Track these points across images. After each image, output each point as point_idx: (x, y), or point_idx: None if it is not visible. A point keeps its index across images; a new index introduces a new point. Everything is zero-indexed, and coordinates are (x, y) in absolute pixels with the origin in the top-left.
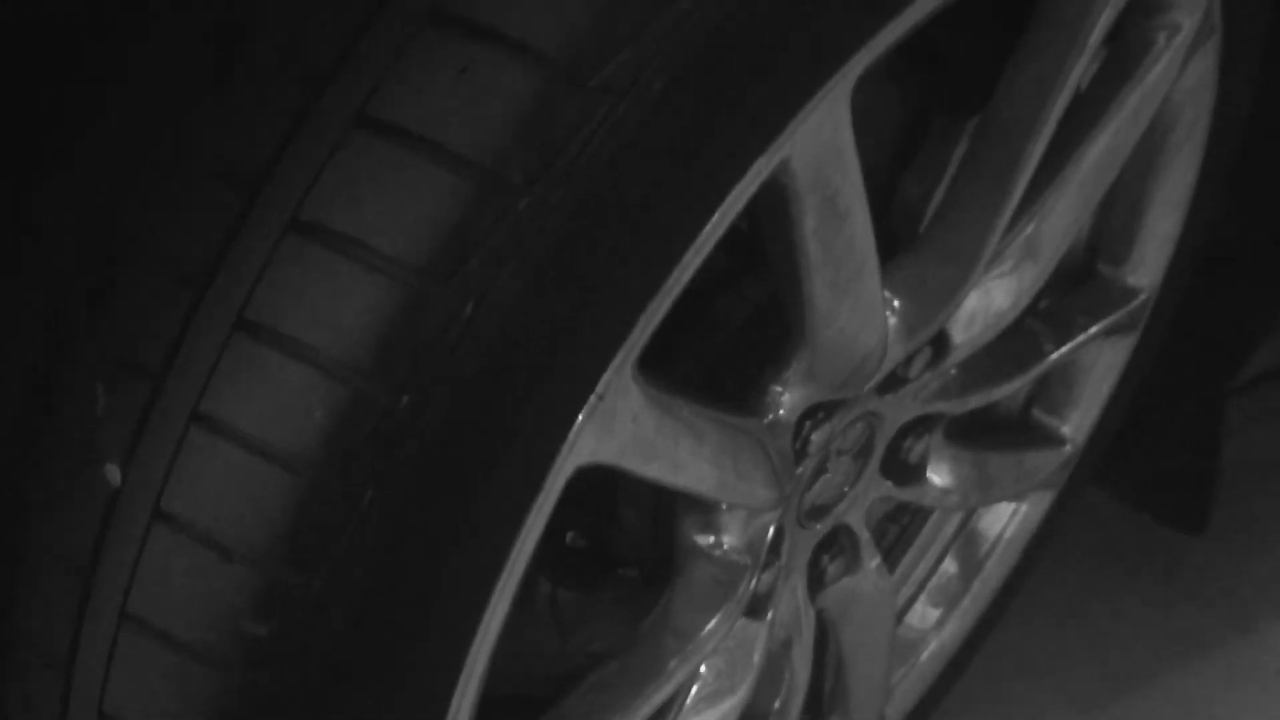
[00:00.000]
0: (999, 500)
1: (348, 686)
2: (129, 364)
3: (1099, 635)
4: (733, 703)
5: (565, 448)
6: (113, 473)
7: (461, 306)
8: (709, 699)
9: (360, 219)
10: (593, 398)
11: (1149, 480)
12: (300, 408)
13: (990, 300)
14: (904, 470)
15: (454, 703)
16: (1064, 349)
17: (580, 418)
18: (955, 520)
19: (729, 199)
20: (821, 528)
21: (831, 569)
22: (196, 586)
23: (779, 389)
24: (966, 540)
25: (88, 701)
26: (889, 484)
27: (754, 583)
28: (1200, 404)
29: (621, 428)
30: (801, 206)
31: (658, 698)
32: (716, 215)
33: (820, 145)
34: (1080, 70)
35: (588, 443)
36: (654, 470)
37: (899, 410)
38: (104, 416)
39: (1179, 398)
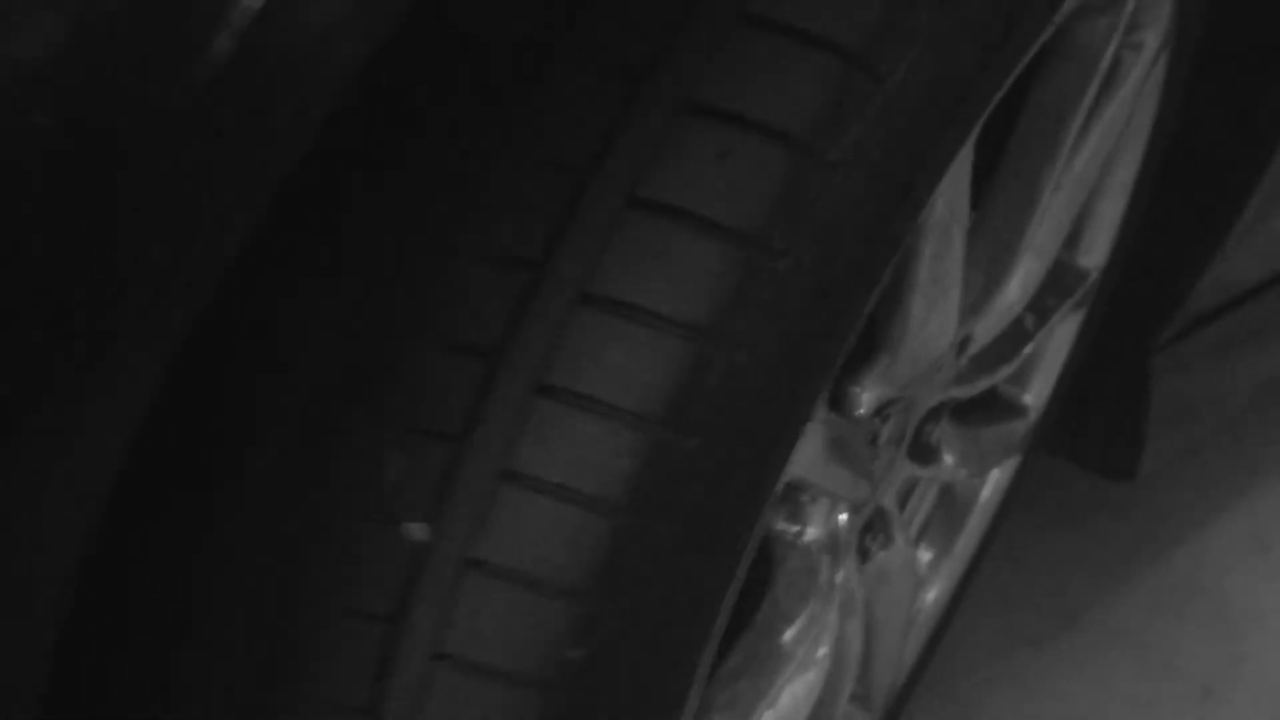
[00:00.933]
0: (991, 469)
1: (644, 694)
2: (428, 430)
3: (1047, 579)
4: (817, 675)
5: (786, 469)
6: (418, 530)
7: (737, 357)
8: (799, 673)
9: (645, 288)
10: (812, 420)
11: (1082, 434)
12: (607, 459)
13: (1006, 297)
14: (926, 452)
15: (690, 699)
16: (1043, 330)
17: (800, 439)
18: (934, 490)
19: (903, 242)
20: (868, 510)
21: (874, 548)
22: (516, 622)
23: (859, 389)
24: (948, 506)
25: None
26: (913, 465)
27: (833, 566)
28: (1128, 363)
29: (809, 442)
30: (927, 238)
31: (787, 680)
32: (896, 255)
33: (954, 185)
34: (1093, 95)
35: (797, 460)
36: (814, 475)
37: (926, 399)
38: (399, 485)
39: (1109, 359)
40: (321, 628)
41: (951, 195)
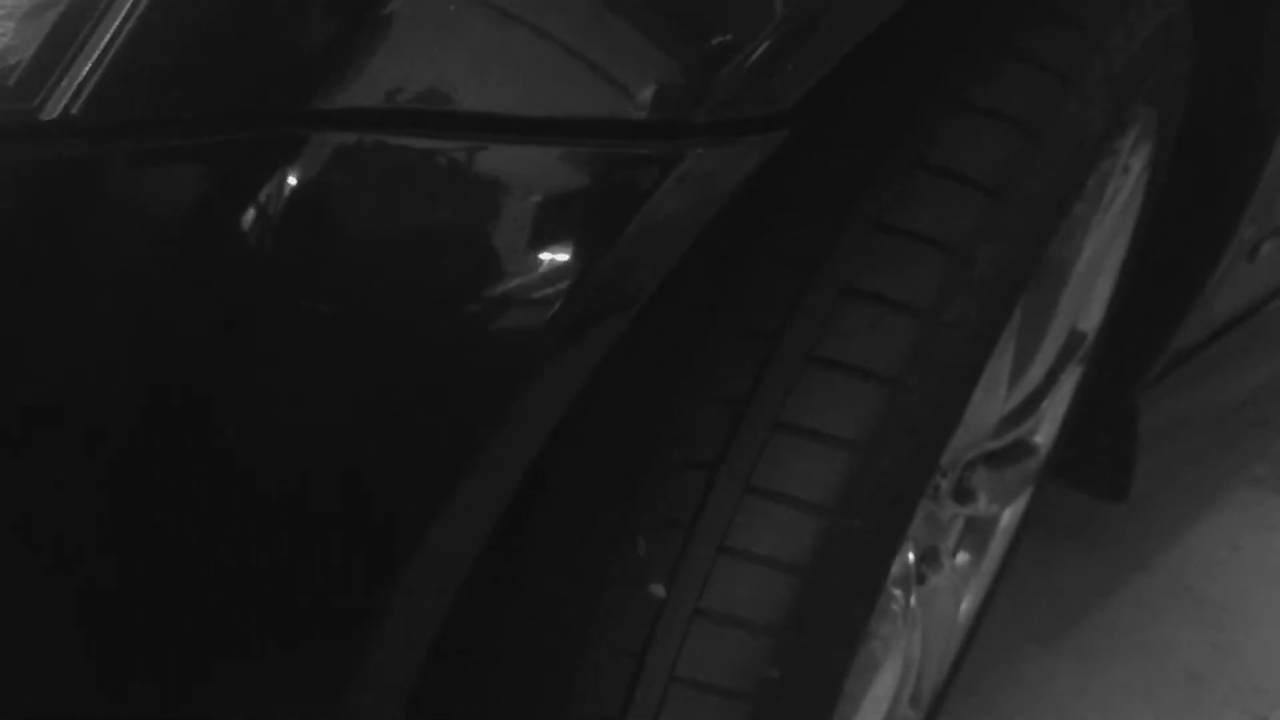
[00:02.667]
0: (1012, 501)
1: (815, 703)
2: (667, 519)
3: (1051, 585)
4: (893, 679)
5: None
6: (659, 589)
7: (882, 462)
8: (881, 678)
9: (821, 416)
10: None
11: (1080, 463)
12: (796, 539)
13: (1034, 374)
14: (966, 494)
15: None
16: (1055, 387)
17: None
18: (963, 519)
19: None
20: (924, 545)
21: (928, 573)
22: (731, 652)
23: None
24: (974, 533)
25: None
26: (956, 505)
27: (905, 593)
28: (1118, 402)
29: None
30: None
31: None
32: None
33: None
34: (1096, 217)
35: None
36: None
37: (969, 453)
38: (647, 558)
39: (1103, 400)
40: (591, 663)
41: (1010, 328)
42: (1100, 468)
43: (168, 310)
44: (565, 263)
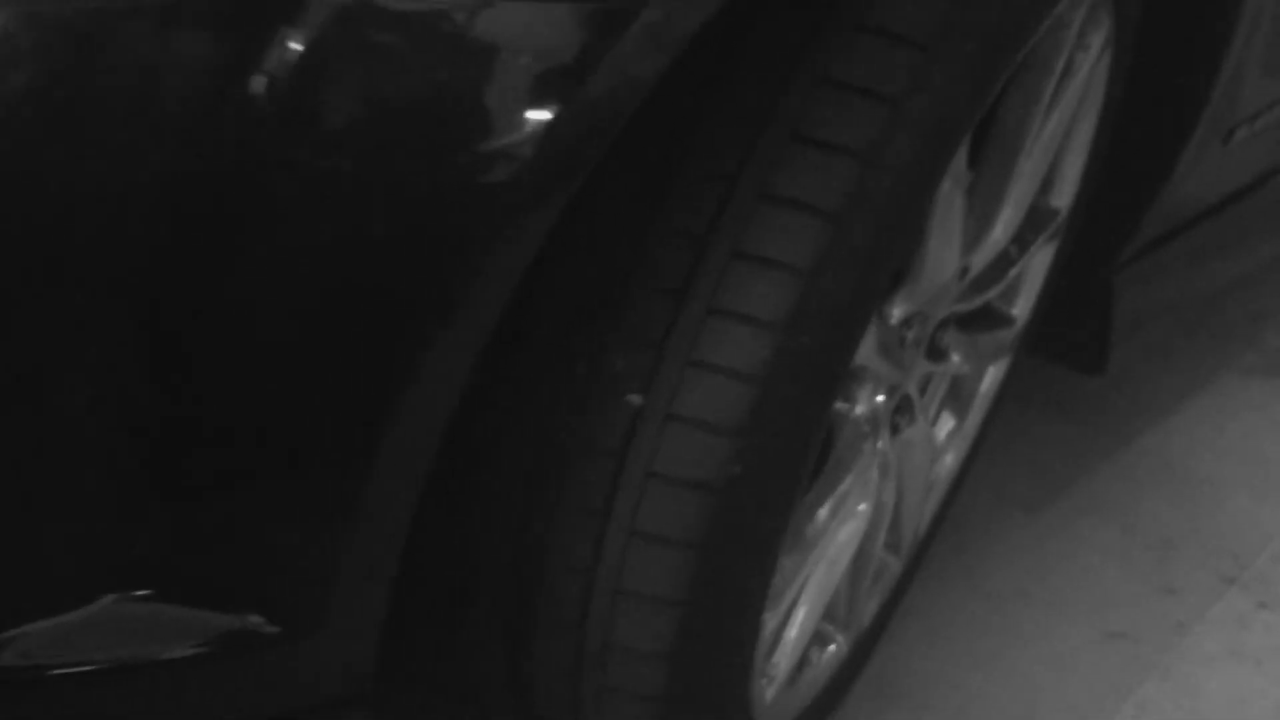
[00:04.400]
0: (988, 366)
1: (772, 504)
2: (641, 338)
3: (1038, 458)
4: (861, 521)
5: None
6: (635, 398)
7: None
8: (849, 519)
9: (775, 246)
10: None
11: (1059, 338)
12: (754, 351)
13: (994, 236)
14: (938, 352)
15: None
16: (1024, 258)
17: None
18: (946, 382)
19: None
20: (898, 395)
21: (903, 424)
22: (699, 451)
23: (892, 306)
24: (957, 395)
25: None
26: (929, 363)
27: (874, 436)
28: (1094, 279)
29: (866, 340)
30: (938, 203)
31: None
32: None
33: (955, 166)
34: (1052, 88)
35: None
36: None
37: (938, 313)
38: (624, 372)
39: (1079, 277)
40: (576, 463)
41: (954, 173)
42: (1078, 343)
43: (184, 161)
44: (555, 90)
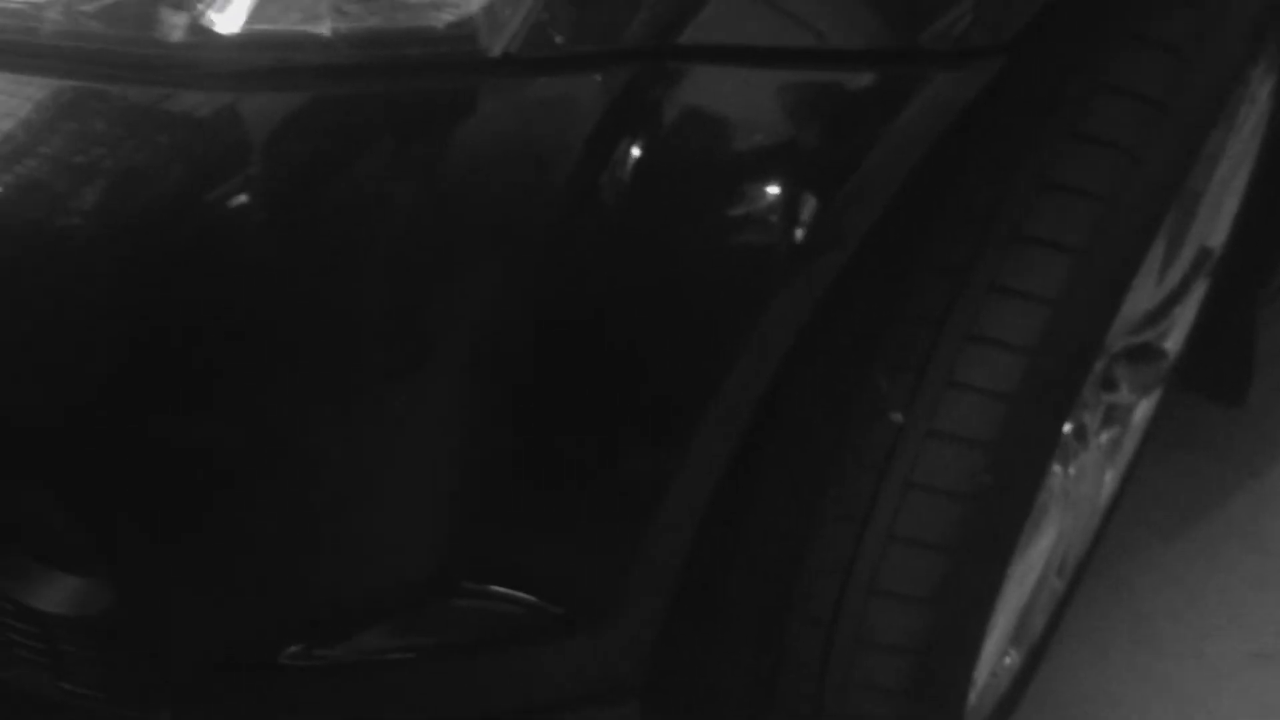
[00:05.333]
0: (1144, 396)
1: (1015, 509)
2: (903, 362)
3: (1173, 485)
4: (1048, 542)
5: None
6: (897, 417)
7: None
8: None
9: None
10: None
11: (1202, 369)
12: (1004, 385)
13: (1171, 279)
14: (1110, 382)
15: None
16: (1187, 295)
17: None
18: (1103, 409)
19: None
20: (1076, 423)
21: (1078, 450)
22: (955, 462)
23: None
24: (1113, 423)
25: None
26: (1102, 393)
27: (1062, 466)
28: (1239, 314)
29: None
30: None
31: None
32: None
33: None
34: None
35: None
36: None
37: (1114, 347)
38: (887, 393)
39: (1225, 312)
40: (841, 476)
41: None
42: (1220, 375)
43: (566, 207)
44: (851, 151)
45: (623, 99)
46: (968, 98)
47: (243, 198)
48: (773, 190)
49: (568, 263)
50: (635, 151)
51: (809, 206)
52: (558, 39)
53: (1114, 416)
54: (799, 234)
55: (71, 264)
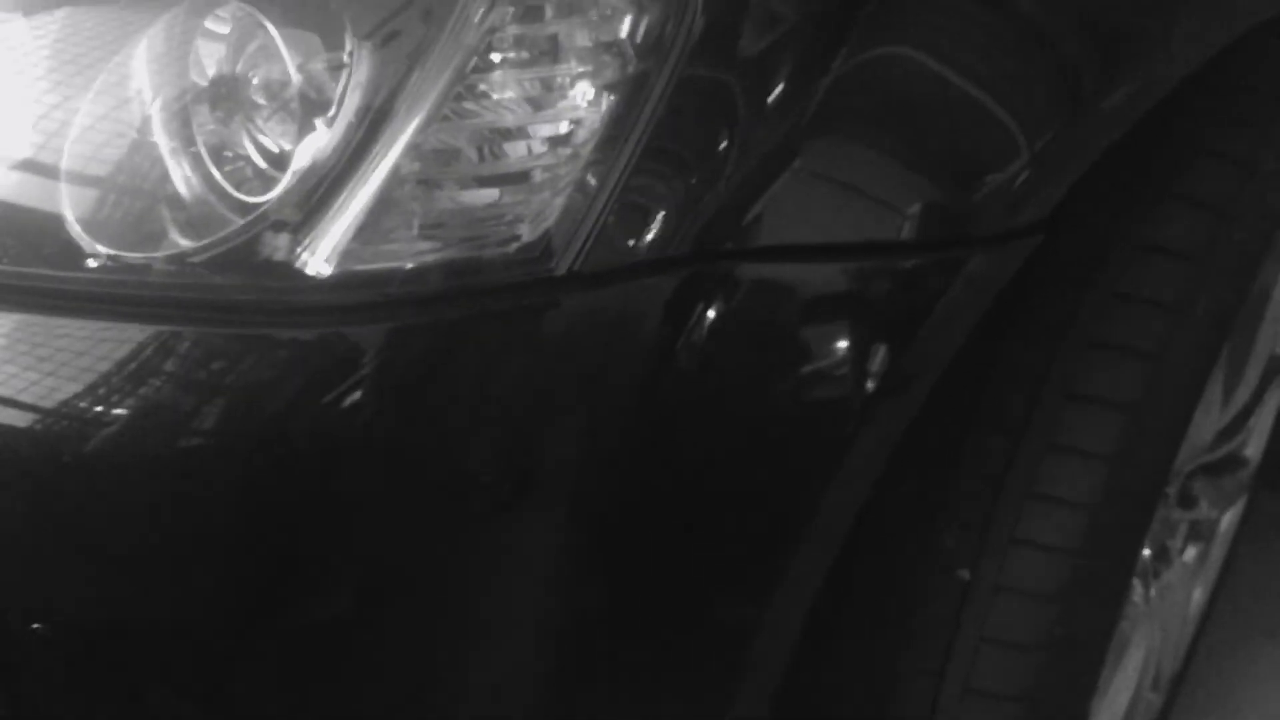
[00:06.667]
0: (1228, 507)
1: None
2: (967, 521)
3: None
4: (1139, 659)
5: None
6: (964, 573)
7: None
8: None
9: (1083, 436)
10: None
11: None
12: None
13: (1239, 397)
14: (1189, 500)
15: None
16: (1260, 406)
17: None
18: (1188, 523)
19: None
20: (1157, 545)
21: (1161, 569)
22: (1025, 616)
23: None
24: (1198, 536)
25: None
26: (1181, 510)
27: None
28: None
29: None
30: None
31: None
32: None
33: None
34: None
35: None
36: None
37: (1191, 464)
38: (954, 550)
39: None
40: (914, 632)
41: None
42: None
43: (650, 400)
44: (900, 329)
45: (679, 299)
46: (1010, 273)
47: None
48: (832, 368)
49: (644, 450)
50: (696, 342)
51: (867, 390)
52: (617, 252)
53: (1197, 531)
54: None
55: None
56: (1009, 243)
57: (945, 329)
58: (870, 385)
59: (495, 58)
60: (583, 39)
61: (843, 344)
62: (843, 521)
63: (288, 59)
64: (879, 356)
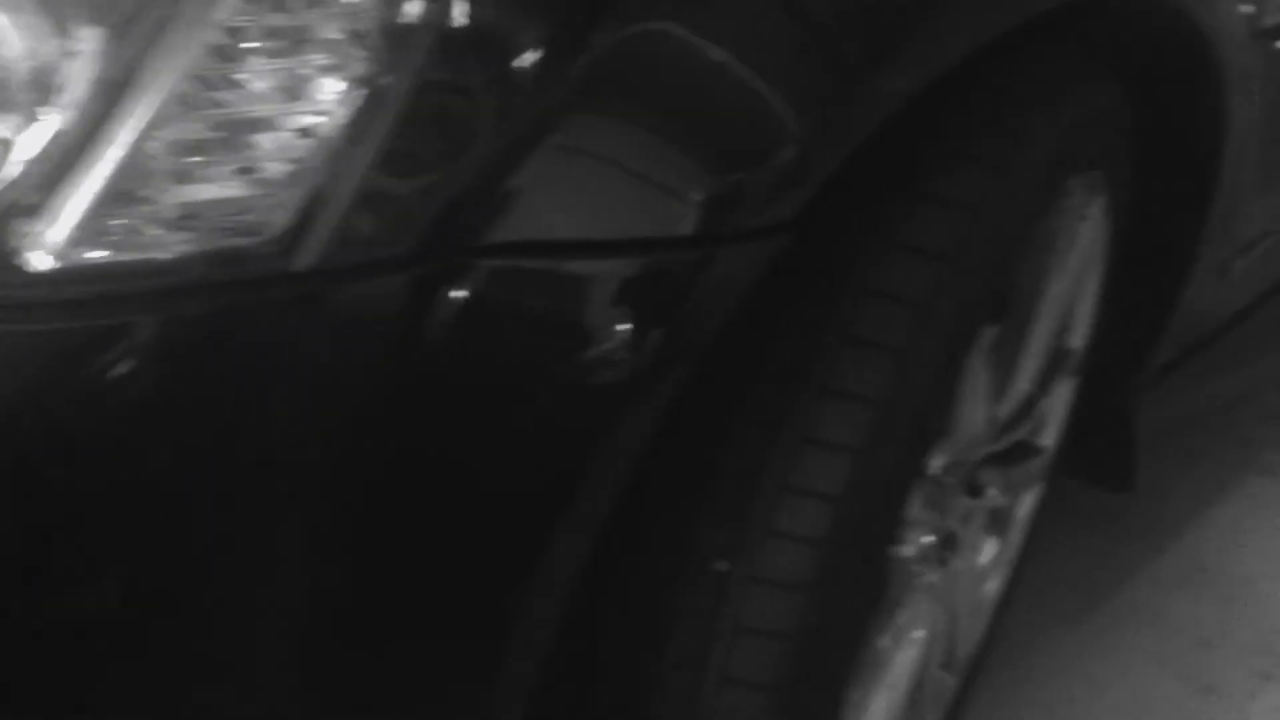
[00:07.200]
0: (1022, 494)
1: (845, 647)
2: (726, 513)
3: (1074, 571)
4: (918, 648)
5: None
6: (722, 564)
7: (881, 457)
8: (908, 647)
9: (833, 430)
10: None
11: (1088, 460)
12: (815, 529)
13: (1019, 387)
14: (977, 489)
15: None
16: (1048, 395)
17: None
18: (986, 512)
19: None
20: (942, 532)
21: (949, 556)
22: (775, 603)
23: (933, 461)
24: (996, 524)
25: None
26: (969, 499)
27: (924, 572)
28: (1116, 405)
29: (914, 495)
30: (964, 376)
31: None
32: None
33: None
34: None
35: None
36: (915, 513)
37: (975, 456)
38: (714, 544)
39: (1102, 404)
40: (677, 622)
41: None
42: (1106, 464)
43: (379, 389)
44: (648, 327)
45: (422, 295)
46: (758, 271)
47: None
48: (580, 363)
49: (390, 443)
50: (439, 337)
51: (613, 384)
52: (359, 249)
53: (995, 520)
54: (602, 407)
55: None
56: (756, 241)
57: (694, 326)
58: (618, 380)
59: (240, 46)
60: (329, 31)
61: (591, 340)
62: (596, 514)
63: (17, 44)
64: (628, 352)
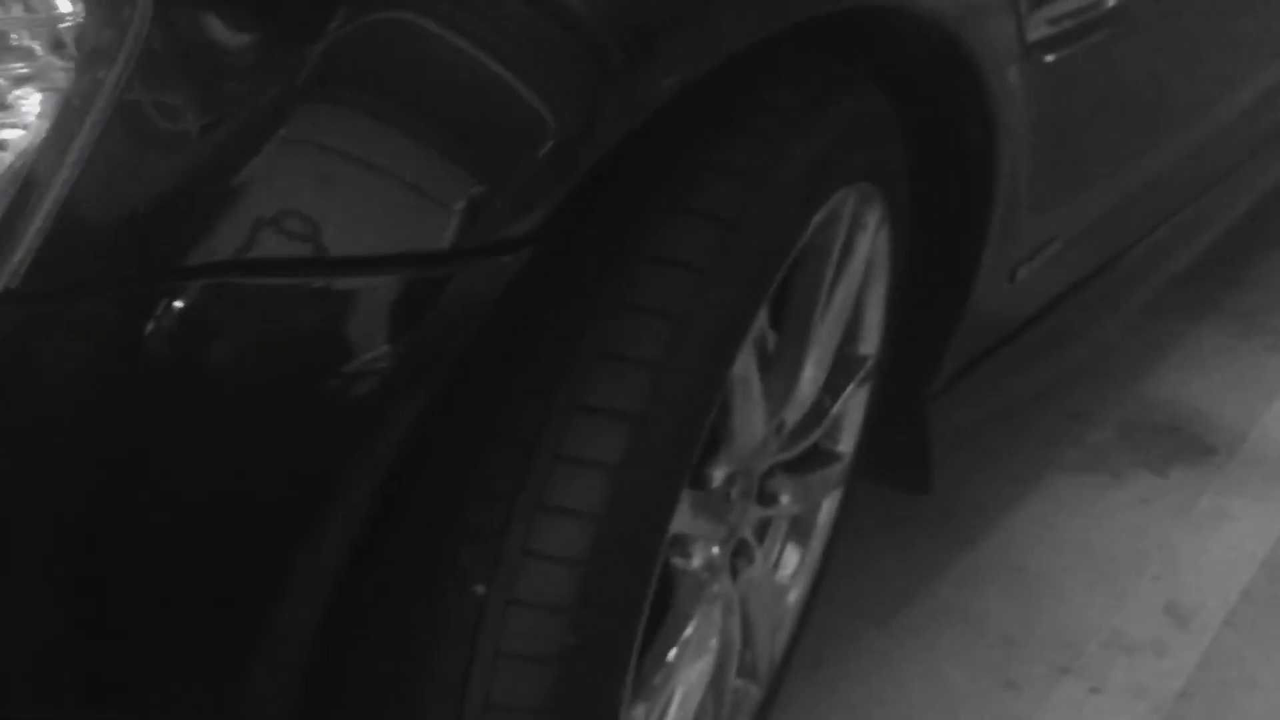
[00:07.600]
0: (820, 501)
1: (610, 665)
2: (482, 534)
3: (882, 567)
4: (710, 658)
5: (670, 527)
6: (480, 588)
7: (641, 471)
8: (697, 658)
9: (591, 447)
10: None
11: (885, 464)
12: (575, 549)
13: (802, 391)
14: (768, 497)
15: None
16: (839, 402)
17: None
18: (786, 522)
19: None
20: (734, 541)
21: (742, 566)
22: (536, 625)
23: (711, 471)
24: (796, 532)
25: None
26: (761, 508)
27: (713, 582)
28: (910, 410)
29: (681, 509)
30: (735, 380)
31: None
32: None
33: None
34: (835, 264)
35: (676, 521)
36: (686, 528)
37: (762, 464)
38: (470, 566)
39: (896, 409)
40: (436, 646)
41: (744, 357)
42: (904, 467)
43: (104, 402)
44: (379, 347)
45: (125, 317)
46: (499, 287)
47: None
48: (311, 382)
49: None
50: (148, 359)
51: (353, 401)
52: (58, 271)
53: (796, 528)
54: (342, 429)
55: None
56: (497, 256)
57: (433, 344)
58: (352, 400)
59: None
60: (26, 39)
61: (324, 358)
62: (343, 532)
63: None
64: (362, 371)
